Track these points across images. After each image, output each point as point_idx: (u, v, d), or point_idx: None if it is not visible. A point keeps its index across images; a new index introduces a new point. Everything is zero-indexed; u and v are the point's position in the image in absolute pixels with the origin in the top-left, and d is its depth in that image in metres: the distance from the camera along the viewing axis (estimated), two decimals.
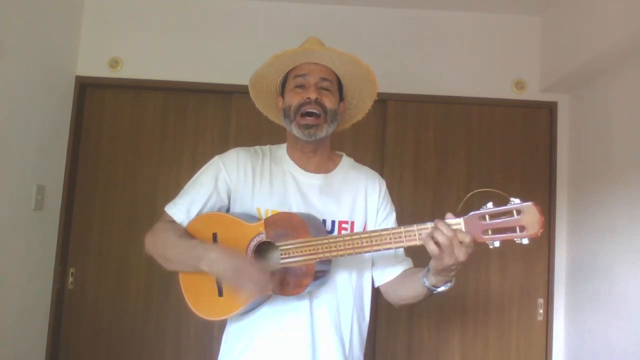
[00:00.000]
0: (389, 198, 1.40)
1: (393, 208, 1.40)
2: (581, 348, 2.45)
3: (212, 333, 2.57)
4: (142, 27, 2.70)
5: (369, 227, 1.32)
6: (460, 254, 1.01)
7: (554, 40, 2.60)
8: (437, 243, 1.02)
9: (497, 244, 1.00)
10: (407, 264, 1.34)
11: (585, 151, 2.53)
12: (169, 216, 1.29)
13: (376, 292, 1.37)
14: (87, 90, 2.71)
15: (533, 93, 2.71)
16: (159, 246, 1.26)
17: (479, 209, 1.01)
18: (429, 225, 1.04)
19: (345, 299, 1.27)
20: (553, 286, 2.62)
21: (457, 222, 1.02)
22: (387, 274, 1.33)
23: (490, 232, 1.00)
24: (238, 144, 2.62)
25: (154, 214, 2.64)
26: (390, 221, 1.37)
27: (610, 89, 2.34)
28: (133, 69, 2.67)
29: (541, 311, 2.63)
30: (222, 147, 2.67)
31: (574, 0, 2.40)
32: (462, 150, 2.71)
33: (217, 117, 2.73)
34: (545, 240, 2.63)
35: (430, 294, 1.16)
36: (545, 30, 2.70)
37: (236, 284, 1.10)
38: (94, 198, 2.68)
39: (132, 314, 2.62)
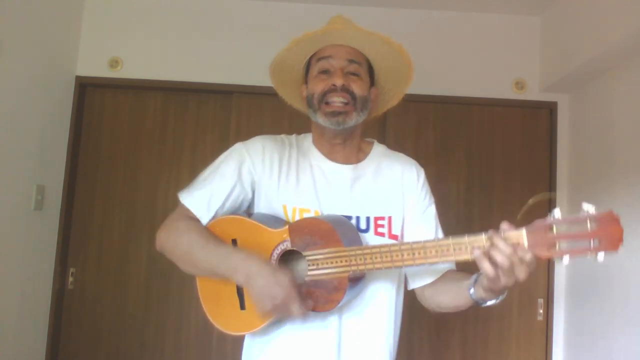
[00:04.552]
0: (428, 188, 1.25)
1: (433, 200, 1.24)
2: (581, 348, 2.45)
3: (212, 333, 2.57)
4: (142, 27, 2.70)
5: (407, 222, 1.18)
6: (521, 274, 0.87)
7: (554, 40, 2.60)
8: (493, 263, 0.87)
9: (566, 260, 0.85)
10: (448, 264, 1.16)
11: (585, 151, 2.53)
12: (187, 210, 1.13)
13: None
14: (87, 90, 2.71)
15: (533, 93, 2.71)
16: (181, 246, 1.10)
17: (544, 218, 0.86)
18: (483, 237, 0.89)
19: (377, 313, 1.14)
20: (553, 286, 2.62)
21: (518, 235, 0.87)
22: (423, 276, 1.18)
23: (558, 246, 0.85)
24: None
25: (154, 213, 2.64)
26: (430, 214, 1.22)
27: (610, 89, 2.34)
28: (133, 69, 2.67)
29: (541, 311, 2.63)
30: (222, 147, 2.66)
31: (574, 0, 2.40)
32: (462, 150, 2.70)
33: (217, 117, 2.73)
34: None
35: (476, 306, 1.03)
36: (545, 30, 2.70)
37: (269, 310, 0.98)
38: (94, 198, 2.68)
39: (132, 314, 2.62)
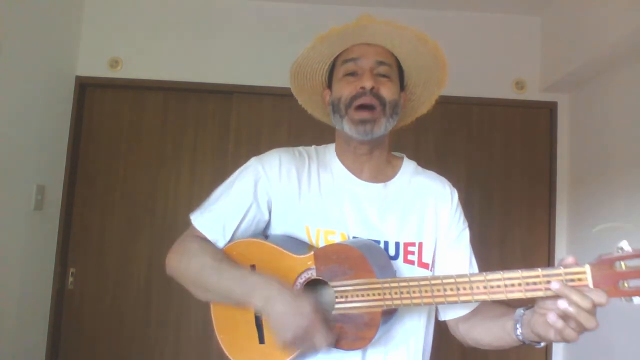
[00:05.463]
0: (462, 210, 1.13)
1: (466, 224, 1.12)
2: (581, 348, 2.45)
3: (212, 333, 2.56)
4: (142, 27, 2.70)
5: (439, 248, 1.08)
6: (590, 323, 0.74)
7: (554, 40, 2.60)
8: (561, 314, 0.76)
9: (637, 300, 0.74)
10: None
11: (585, 151, 2.52)
12: (199, 232, 1.05)
13: None
14: (87, 90, 2.71)
15: (533, 93, 2.71)
16: (191, 270, 1.01)
17: (610, 252, 0.76)
18: (540, 272, 0.78)
19: (407, 347, 1.04)
20: None
21: (580, 271, 0.76)
22: (457, 307, 1.07)
23: (627, 284, 0.74)
24: (238, 144, 2.65)
25: (154, 213, 2.64)
26: (464, 240, 1.10)
27: (610, 89, 2.34)
28: (133, 69, 2.67)
29: None
30: (222, 147, 2.69)
31: (574, 0, 2.40)
32: (462, 150, 2.70)
33: (217, 117, 2.73)
34: (545, 241, 2.62)
35: (523, 346, 0.92)
36: (545, 30, 2.70)
37: (290, 340, 0.86)
38: (94, 198, 2.68)
39: (132, 314, 2.62)
